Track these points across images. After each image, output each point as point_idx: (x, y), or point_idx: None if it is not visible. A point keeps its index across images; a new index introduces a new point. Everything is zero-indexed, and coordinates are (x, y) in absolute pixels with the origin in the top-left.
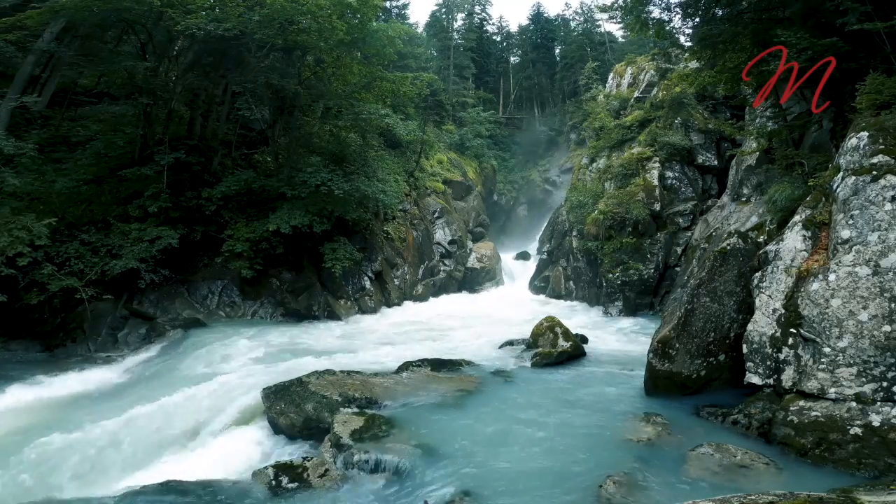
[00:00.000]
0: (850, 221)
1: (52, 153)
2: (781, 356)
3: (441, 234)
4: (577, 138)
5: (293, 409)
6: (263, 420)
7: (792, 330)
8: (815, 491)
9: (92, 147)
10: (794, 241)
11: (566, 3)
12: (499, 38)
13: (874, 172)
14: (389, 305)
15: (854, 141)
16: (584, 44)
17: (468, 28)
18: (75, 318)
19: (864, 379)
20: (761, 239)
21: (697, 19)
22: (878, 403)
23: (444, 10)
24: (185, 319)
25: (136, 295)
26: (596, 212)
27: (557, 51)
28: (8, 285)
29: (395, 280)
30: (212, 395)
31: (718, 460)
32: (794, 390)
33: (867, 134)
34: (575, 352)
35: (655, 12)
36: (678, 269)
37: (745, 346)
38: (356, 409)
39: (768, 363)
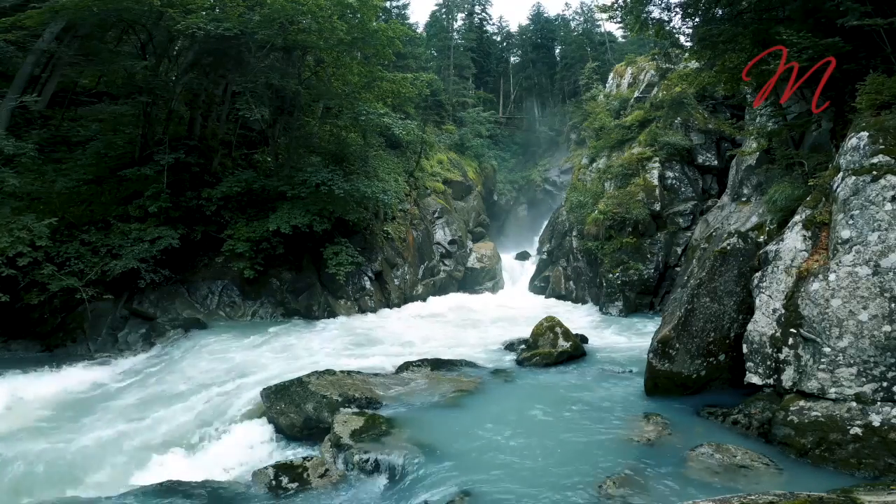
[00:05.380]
0: (850, 221)
1: (52, 153)
2: (781, 356)
3: (441, 234)
4: (577, 138)
5: (293, 409)
6: (263, 420)
7: (792, 330)
8: (815, 491)
9: (92, 147)
10: (794, 241)
11: (566, 3)
12: (499, 38)
13: (874, 172)
14: (389, 305)
15: (854, 141)
16: (584, 44)
17: (468, 28)
18: (75, 318)
19: (864, 379)
20: (761, 239)
21: (697, 19)
22: (879, 403)
23: (444, 10)
24: (186, 319)
25: (136, 295)
26: (596, 212)
27: (557, 51)
28: (8, 285)
29: (396, 280)
30: (211, 395)
31: (718, 460)
32: (795, 390)
33: (867, 134)
34: (575, 352)
35: (655, 12)
36: (678, 269)
37: (745, 346)
38: (356, 409)
39: (768, 363)
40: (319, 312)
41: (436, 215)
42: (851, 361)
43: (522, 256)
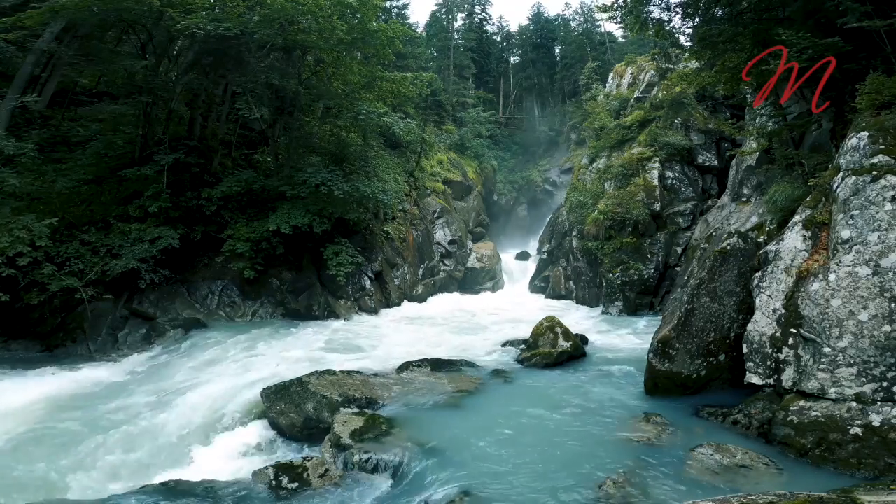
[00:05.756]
0: (850, 221)
1: (52, 153)
2: (781, 356)
3: (441, 234)
4: (577, 138)
5: (293, 409)
6: (263, 420)
7: (792, 330)
8: (815, 491)
9: (92, 147)
10: (794, 241)
11: (566, 3)
12: (499, 38)
13: (874, 172)
14: (389, 305)
15: (854, 141)
16: (584, 44)
17: (468, 28)
18: (75, 318)
19: (864, 379)
20: (761, 239)
21: (697, 19)
22: (879, 403)
23: (444, 10)
24: (186, 319)
25: (136, 295)
26: (596, 212)
27: (557, 51)
28: (8, 285)
29: (395, 280)
30: (212, 395)
31: (718, 460)
32: (794, 390)
33: (867, 134)
34: (575, 352)
35: (655, 12)
36: (678, 269)
37: (745, 346)
38: (356, 409)
39: (768, 363)
40: (319, 312)
41: (436, 215)
42: (851, 361)
43: (522, 256)
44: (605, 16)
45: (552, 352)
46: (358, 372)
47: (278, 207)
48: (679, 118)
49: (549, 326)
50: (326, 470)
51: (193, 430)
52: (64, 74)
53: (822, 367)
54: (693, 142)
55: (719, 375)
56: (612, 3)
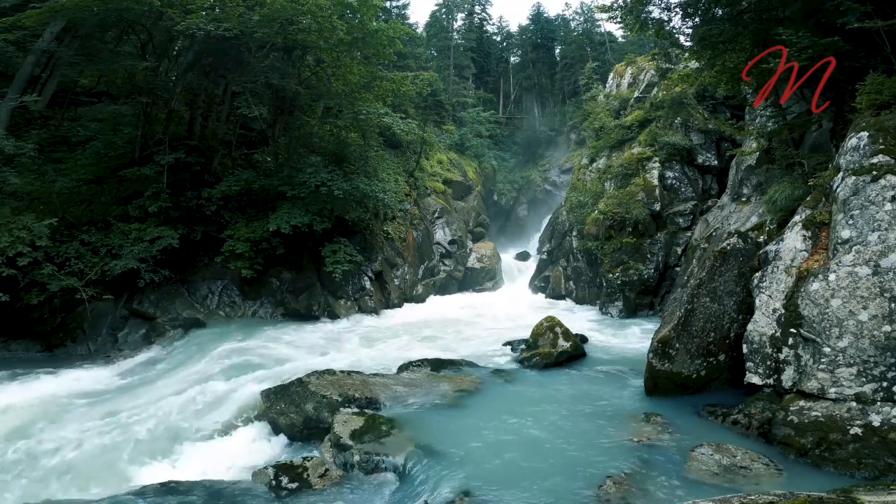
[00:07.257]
0: (850, 221)
1: (52, 153)
2: (781, 356)
3: (441, 234)
4: (577, 138)
5: (293, 409)
6: (263, 420)
7: (792, 330)
8: (815, 491)
9: (92, 147)
10: (794, 241)
11: (566, 3)
12: (499, 38)
13: (874, 172)
14: (389, 306)
15: (854, 141)
16: (584, 44)
17: (468, 28)
18: (75, 318)
19: (864, 379)
20: (761, 239)
21: (697, 19)
22: (879, 403)
23: (444, 10)
24: (185, 319)
25: (136, 295)
26: (596, 212)
27: (557, 51)
28: (8, 285)
29: (395, 280)
30: (212, 395)
31: (718, 460)
32: (794, 390)
33: (867, 134)
34: (575, 352)
35: (655, 12)
36: (678, 269)
37: (745, 346)
38: (356, 409)
39: (768, 363)
40: (319, 312)
41: (436, 215)
42: (851, 361)
43: (522, 256)
44: (605, 16)
45: (552, 352)
46: (358, 372)
47: (278, 207)
48: (679, 118)
49: (549, 326)
50: (326, 470)
51: (193, 430)
52: (64, 74)
53: (822, 367)
54: (693, 142)
55: (719, 375)
56: (612, 3)
